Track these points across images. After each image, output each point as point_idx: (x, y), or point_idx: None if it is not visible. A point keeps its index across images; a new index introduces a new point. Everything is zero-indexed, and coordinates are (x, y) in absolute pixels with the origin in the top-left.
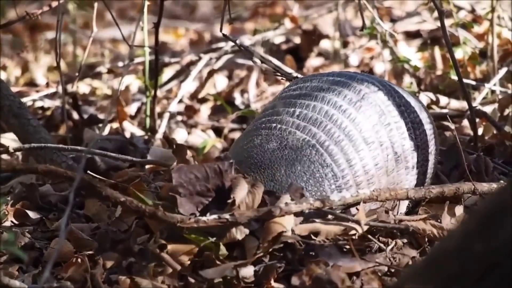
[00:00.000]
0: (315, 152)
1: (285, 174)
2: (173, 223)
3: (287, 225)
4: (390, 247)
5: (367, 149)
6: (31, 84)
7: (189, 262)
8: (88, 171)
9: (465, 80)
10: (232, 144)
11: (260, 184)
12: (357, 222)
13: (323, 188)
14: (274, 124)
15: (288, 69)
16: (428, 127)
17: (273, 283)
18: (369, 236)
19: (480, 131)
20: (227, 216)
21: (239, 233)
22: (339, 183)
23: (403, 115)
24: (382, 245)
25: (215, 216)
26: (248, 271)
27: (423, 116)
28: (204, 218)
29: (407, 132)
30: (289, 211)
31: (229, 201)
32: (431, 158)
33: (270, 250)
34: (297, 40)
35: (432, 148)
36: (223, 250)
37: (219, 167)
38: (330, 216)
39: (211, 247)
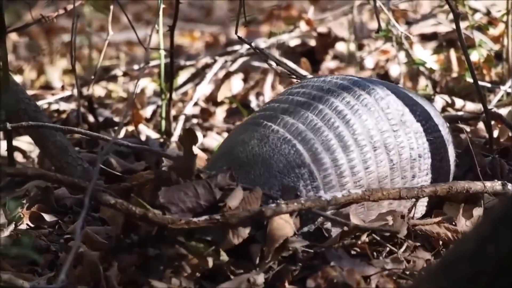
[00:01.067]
0: (294, 151)
1: (259, 173)
2: (164, 224)
3: (290, 229)
4: (402, 249)
5: (358, 151)
6: (47, 87)
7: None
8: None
9: (480, 83)
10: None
11: (258, 189)
12: (346, 225)
13: (298, 188)
14: (262, 120)
15: (304, 72)
16: (437, 135)
17: (287, 286)
18: (379, 238)
19: (495, 133)
20: (217, 216)
21: (236, 238)
22: (316, 184)
23: (405, 124)
24: (393, 247)
25: (206, 217)
26: (258, 278)
27: (431, 125)
28: (195, 219)
29: (408, 141)
30: (280, 211)
31: (221, 204)
32: (441, 167)
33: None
34: (312, 42)
35: (442, 157)
36: (223, 255)
37: (208, 182)
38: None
39: (212, 254)
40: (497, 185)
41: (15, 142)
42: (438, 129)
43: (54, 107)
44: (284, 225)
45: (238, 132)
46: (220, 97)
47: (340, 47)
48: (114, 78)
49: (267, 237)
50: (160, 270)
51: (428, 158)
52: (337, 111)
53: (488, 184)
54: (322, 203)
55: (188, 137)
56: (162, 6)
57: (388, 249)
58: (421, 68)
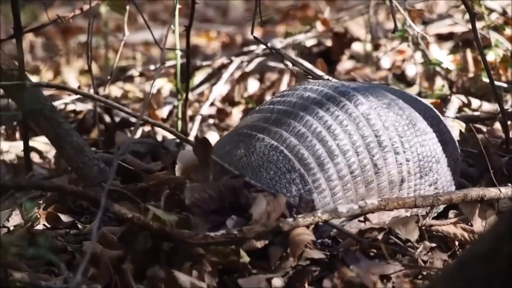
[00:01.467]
0: (282, 157)
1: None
2: (181, 239)
3: (310, 236)
4: (418, 250)
5: (342, 156)
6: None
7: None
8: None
9: (496, 83)
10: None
11: (281, 196)
12: (359, 241)
13: (291, 194)
14: (246, 130)
15: (320, 72)
16: (428, 137)
17: (307, 287)
18: (395, 239)
19: None
20: (235, 231)
21: (259, 242)
22: (308, 187)
23: (388, 129)
24: (410, 248)
25: (223, 231)
26: (277, 281)
27: (421, 127)
28: (212, 234)
29: (392, 146)
30: (297, 225)
31: (246, 215)
32: (439, 169)
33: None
34: (328, 42)
35: (438, 158)
36: (244, 256)
37: (234, 184)
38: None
39: (232, 254)
40: (511, 190)
41: (31, 143)
42: (429, 131)
43: (71, 107)
44: (305, 231)
45: (222, 144)
46: (237, 98)
47: (357, 47)
48: (130, 79)
49: (290, 243)
50: (178, 262)
51: (419, 161)
52: (318, 117)
53: (503, 190)
54: (339, 215)
55: (202, 146)
56: (178, 6)
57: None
58: (438, 68)
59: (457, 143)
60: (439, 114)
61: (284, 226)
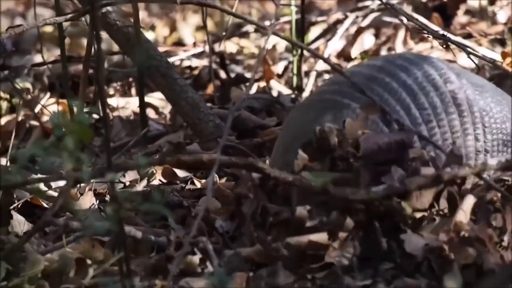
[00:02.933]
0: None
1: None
2: (345, 197)
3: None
4: None
5: (424, 125)
6: (179, 43)
7: None
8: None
9: None
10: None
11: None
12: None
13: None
14: (329, 96)
15: (435, 27)
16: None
17: None
18: None
19: None
20: (397, 184)
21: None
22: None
23: (474, 114)
24: None
25: (385, 185)
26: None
27: (505, 127)
28: (374, 189)
29: (473, 131)
30: (456, 176)
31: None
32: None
33: None
34: None
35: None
36: (407, 207)
37: (403, 139)
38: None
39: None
40: None
41: (147, 99)
42: None
43: (186, 63)
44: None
45: (302, 113)
46: (354, 54)
47: (472, 1)
48: (245, 34)
49: None
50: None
51: (498, 151)
52: (405, 86)
53: None
54: (490, 168)
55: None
56: None
57: None
58: None
59: None
60: None
61: (444, 176)
